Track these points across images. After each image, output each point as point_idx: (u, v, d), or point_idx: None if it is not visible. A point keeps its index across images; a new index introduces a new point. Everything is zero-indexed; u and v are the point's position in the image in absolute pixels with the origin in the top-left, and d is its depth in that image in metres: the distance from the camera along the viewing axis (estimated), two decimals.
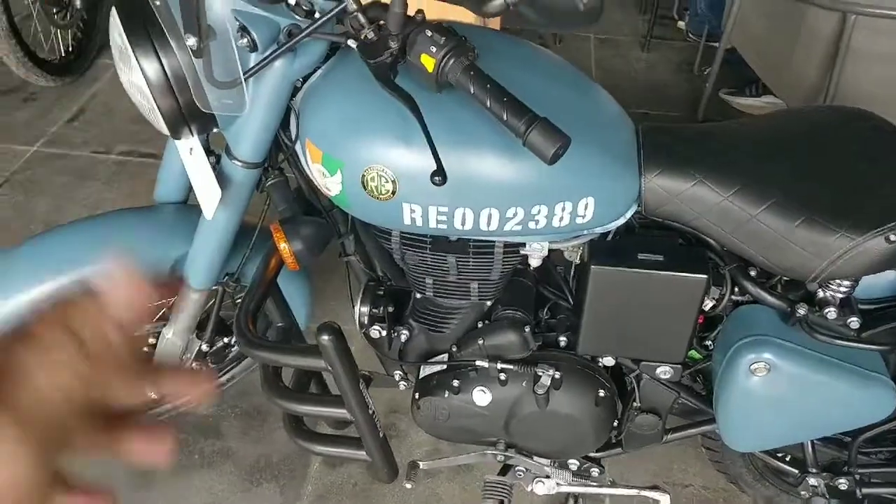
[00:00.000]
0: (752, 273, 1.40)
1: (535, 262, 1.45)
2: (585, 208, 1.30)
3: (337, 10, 1.17)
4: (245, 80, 1.19)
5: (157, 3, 1.19)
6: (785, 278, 1.42)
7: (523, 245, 1.42)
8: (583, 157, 1.26)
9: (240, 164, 1.35)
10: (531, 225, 1.30)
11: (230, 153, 1.35)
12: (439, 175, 1.07)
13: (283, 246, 1.39)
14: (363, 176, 1.25)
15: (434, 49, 1.10)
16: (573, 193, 1.28)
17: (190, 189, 1.63)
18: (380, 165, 1.23)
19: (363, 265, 1.60)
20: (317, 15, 1.24)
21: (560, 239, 1.40)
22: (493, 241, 1.42)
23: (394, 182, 1.24)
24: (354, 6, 1.17)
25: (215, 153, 1.42)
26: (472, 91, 1.10)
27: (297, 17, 1.23)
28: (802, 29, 2.56)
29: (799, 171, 1.32)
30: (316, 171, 1.31)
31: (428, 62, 1.12)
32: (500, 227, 1.30)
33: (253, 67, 1.19)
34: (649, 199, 1.35)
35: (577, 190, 1.28)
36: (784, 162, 1.34)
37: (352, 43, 1.18)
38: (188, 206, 1.65)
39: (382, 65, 1.15)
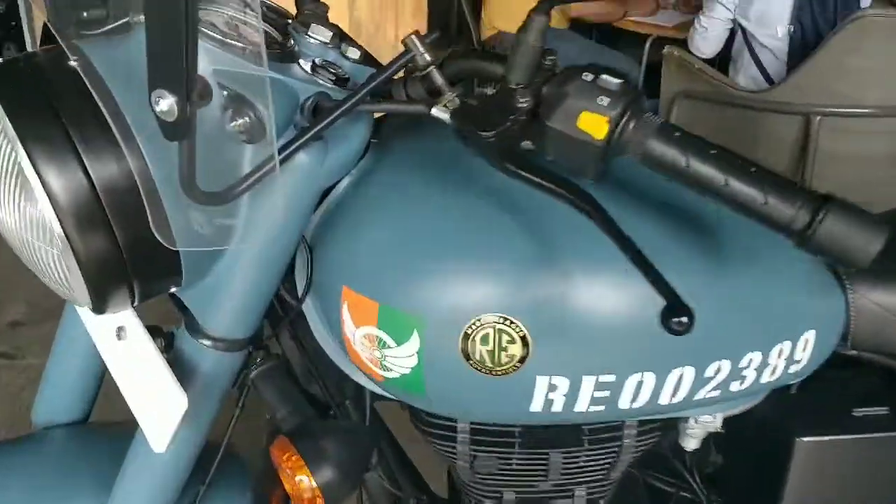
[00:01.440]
0: None
1: (692, 445, 0.94)
2: (804, 348, 0.82)
3: (406, 60, 0.68)
4: (247, 186, 0.64)
5: (76, 61, 0.63)
6: None
7: (673, 422, 0.91)
8: (792, 266, 0.80)
9: (214, 344, 0.77)
10: (733, 387, 0.80)
11: (195, 328, 0.77)
12: (683, 313, 0.56)
13: (302, 479, 0.79)
14: (466, 337, 0.71)
15: (606, 101, 0.63)
16: (794, 327, 0.80)
17: (94, 401, 1.00)
18: (498, 316, 0.70)
19: (388, 482, 1.02)
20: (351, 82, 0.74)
21: (739, 404, 0.90)
22: (624, 422, 0.90)
23: (525, 342, 0.71)
24: (427, 57, 0.68)
25: (163, 333, 0.82)
26: (685, 164, 0.62)
27: (323, 82, 0.72)
28: (762, 137, 2.35)
29: None
30: (362, 339, 0.76)
31: (595, 124, 0.63)
32: (690, 397, 0.78)
33: (262, 167, 0.64)
34: (860, 325, 0.89)
35: (799, 320, 0.80)
36: None
37: (440, 112, 0.68)
38: (93, 429, 1.01)
39: (507, 137, 0.65)
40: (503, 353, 0.72)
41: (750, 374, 0.80)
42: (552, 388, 0.74)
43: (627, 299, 0.73)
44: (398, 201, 0.77)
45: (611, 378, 0.74)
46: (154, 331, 0.79)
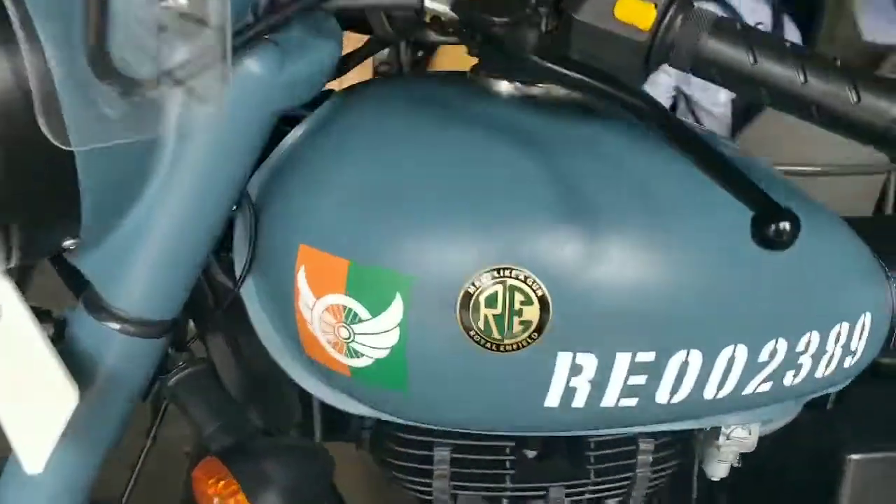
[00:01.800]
0: None
1: (720, 471, 0.77)
2: (861, 335, 0.68)
3: None
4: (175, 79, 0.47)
5: None
6: None
7: (694, 441, 0.75)
8: (844, 245, 0.68)
9: (122, 327, 0.58)
10: (787, 379, 0.64)
11: (96, 304, 0.58)
12: (784, 218, 0.41)
13: None
14: (467, 299, 0.54)
15: None
16: (852, 307, 0.67)
17: None
18: (510, 270, 0.54)
19: None
20: None
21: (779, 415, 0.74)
22: (635, 434, 0.73)
23: (544, 304, 0.54)
24: None
25: (52, 318, 0.61)
26: (751, 62, 0.50)
27: None
28: None
29: None
30: (323, 315, 0.58)
31: (637, 12, 0.50)
32: (738, 390, 0.62)
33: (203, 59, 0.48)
34: None
35: (856, 300, 0.67)
36: None
37: (436, 3, 0.54)
38: None
39: (529, 26, 0.51)
40: (516, 320, 0.54)
41: (805, 363, 0.64)
42: (576, 369, 0.57)
43: (672, 253, 0.57)
44: (371, 139, 0.60)
45: (650, 356, 0.57)
46: (40, 315, 0.59)
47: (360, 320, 0.56)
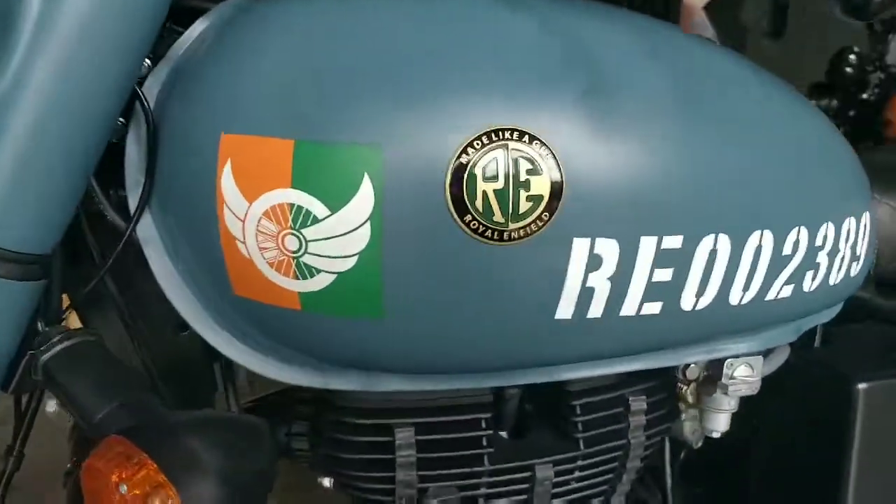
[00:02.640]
0: None
1: (722, 425, 0.67)
2: (865, 234, 0.61)
3: None
4: None
5: None
6: None
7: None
8: (846, 147, 0.62)
9: None
10: (806, 282, 0.55)
11: None
12: None
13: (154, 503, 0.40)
14: (459, 171, 0.41)
15: None
16: (858, 202, 0.61)
17: None
18: (511, 129, 0.42)
19: None
20: None
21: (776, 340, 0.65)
22: (628, 402, 0.62)
23: (557, 175, 0.42)
24: None
25: None
26: None
27: None
28: None
29: None
30: (261, 224, 0.43)
31: None
32: (762, 293, 0.53)
33: None
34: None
35: (859, 198, 0.61)
36: None
37: None
38: None
39: None
40: (522, 194, 0.42)
41: (822, 262, 0.56)
42: (595, 262, 0.45)
43: (699, 133, 0.47)
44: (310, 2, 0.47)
45: (677, 242, 0.46)
46: None
47: (315, 220, 0.42)
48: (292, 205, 0.42)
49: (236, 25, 0.47)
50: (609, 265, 0.45)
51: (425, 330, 0.46)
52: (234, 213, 0.44)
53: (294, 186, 0.42)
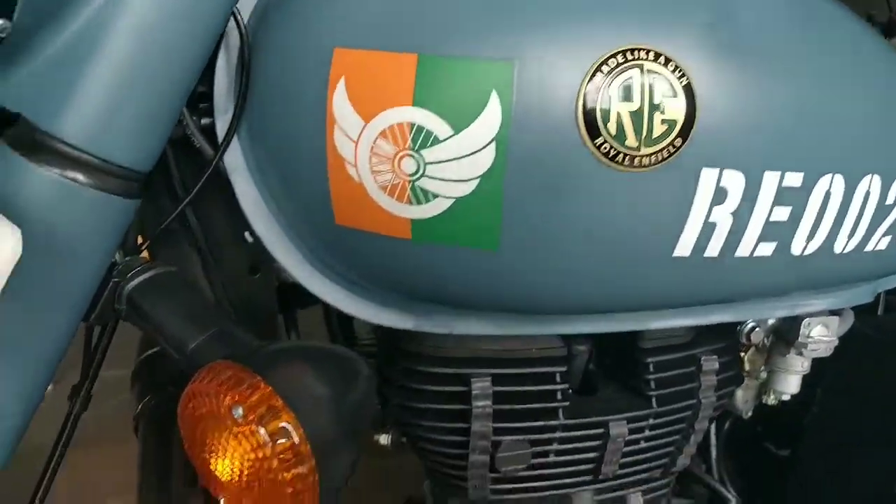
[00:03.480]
0: None
1: (793, 386, 0.66)
2: None
3: None
4: None
5: None
6: None
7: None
8: None
9: (63, 170, 0.39)
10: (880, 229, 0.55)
11: (34, 142, 0.39)
12: None
13: (273, 427, 0.38)
14: (591, 93, 0.39)
15: None
16: None
17: None
18: (647, 50, 0.40)
19: None
20: None
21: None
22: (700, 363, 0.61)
23: (691, 98, 0.41)
24: None
25: None
26: None
27: None
28: None
29: None
30: (375, 147, 0.41)
31: None
32: (863, 243, 0.52)
33: None
34: None
35: None
36: None
37: None
38: None
39: None
40: (657, 117, 0.41)
41: None
42: (720, 195, 0.43)
43: (822, 71, 0.46)
44: None
45: (797, 180, 0.45)
46: None
47: (436, 141, 0.40)
48: (413, 124, 0.40)
49: None
50: (733, 199, 0.44)
51: (538, 265, 0.44)
52: (346, 134, 0.42)
53: (416, 104, 0.40)
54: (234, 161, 0.47)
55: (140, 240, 0.51)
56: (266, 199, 0.48)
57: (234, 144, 0.47)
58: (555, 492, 0.62)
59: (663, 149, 0.41)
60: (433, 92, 0.40)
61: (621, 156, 0.41)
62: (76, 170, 0.39)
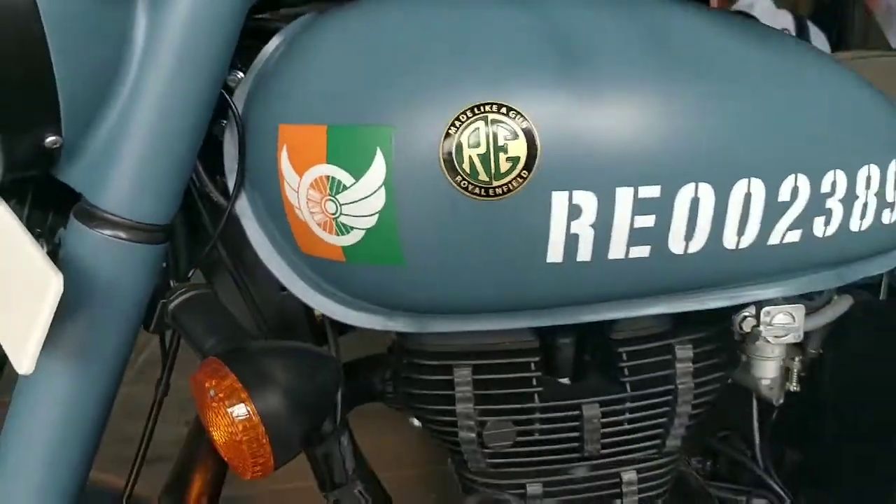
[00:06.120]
0: None
1: (770, 370, 0.71)
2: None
3: None
4: None
5: None
6: None
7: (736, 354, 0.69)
8: (875, 93, 0.64)
9: (114, 232, 0.58)
10: (817, 227, 0.59)
11: (86, 212, 0.57)
12: None
13: (237, 408, 0.54)
14: (447, 141, 0.51)
15: None
16: (882, 150, 0.62)
17: None
18: (489, 103, 0.51)
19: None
20: None
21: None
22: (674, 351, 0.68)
23: (530, 138, 0.51)
24: None
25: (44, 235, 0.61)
26: None
27: None
28: None
29: None
30: (309, 193, 0.56)
31: None
32: (762, 238, 0.58)
33: None
34: None
35: (885, 144, 0.63)
36: None
37: None
38: None
39: None
40: (502, 156, 0.51)
41: (836, 209, 0.59)
42: (575, 211, 0.53)
43: (668, 84, 0.54)
44: (347, 15, 0.59)
45: (654, 192, 0.53)
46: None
47: (345, 188, 0.54)
48: (329, 176, 0.55)
49: (296, 38, 0.61)
50: (589, 214, 0.53)
51: (440, 274, 0.56)
52: (291, 187, 0.57)
53: (328, 161, 0.54)
54: (243, 208, 0.64)
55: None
56: (265, 234, 0.64)
57: (243, 195, 0.64)
58: (548, 466, 0.72)
59: (511, 181, 0.52)
60: (339, 152, 0.54)
61: (478, 189, 0.52)
62: (118, 229, 0.57)
